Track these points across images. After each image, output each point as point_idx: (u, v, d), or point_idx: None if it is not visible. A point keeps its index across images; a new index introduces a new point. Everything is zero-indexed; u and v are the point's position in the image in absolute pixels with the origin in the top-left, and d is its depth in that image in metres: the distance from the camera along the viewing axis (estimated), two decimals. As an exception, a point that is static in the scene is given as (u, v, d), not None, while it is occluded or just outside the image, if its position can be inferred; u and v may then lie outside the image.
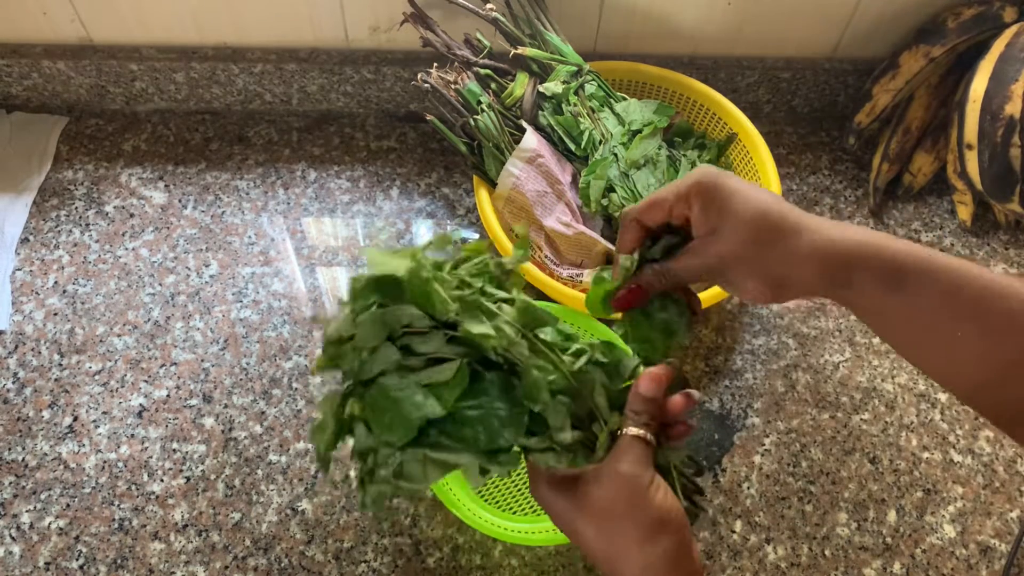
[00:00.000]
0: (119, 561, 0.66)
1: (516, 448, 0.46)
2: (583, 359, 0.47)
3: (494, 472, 0.45)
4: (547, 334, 0.47)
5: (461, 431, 0.45)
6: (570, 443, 0.45)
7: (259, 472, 0.71)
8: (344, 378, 0.47)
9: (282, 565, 0.66)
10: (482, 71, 0.79)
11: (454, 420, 0.45)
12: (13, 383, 0.75)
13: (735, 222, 0.43)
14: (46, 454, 0.71)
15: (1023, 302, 0.38)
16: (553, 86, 0.78)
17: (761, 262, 0.43)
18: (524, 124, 0.78)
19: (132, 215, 0.87)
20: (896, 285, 0.41)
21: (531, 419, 0.46)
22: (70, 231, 0.85)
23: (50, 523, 0.68)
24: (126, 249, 0.84)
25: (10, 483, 0.69)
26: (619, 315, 0.52)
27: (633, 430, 0.45)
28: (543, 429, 0.46)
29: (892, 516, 0.71)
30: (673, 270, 0.48)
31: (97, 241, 0.84)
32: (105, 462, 0.71)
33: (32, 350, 0.77)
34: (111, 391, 0.75)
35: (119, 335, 0.78)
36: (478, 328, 0.45)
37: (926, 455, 0.74)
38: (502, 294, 0.48)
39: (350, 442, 0.46)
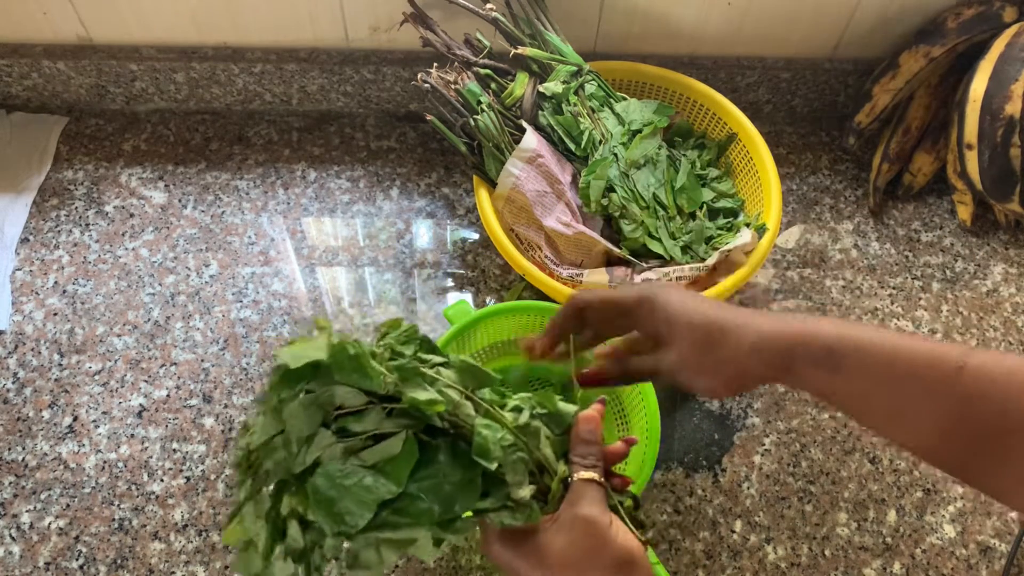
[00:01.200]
0: (119, 561, 0.66)
1: (469, 513, 0.44)
2: (526, 413, 0.47)
3: (450, 541, 0.44)
4: (486, 393, 0.47)
5: (413, 505, 0.43)
6: (527, 498, 0.44)
7: (259, 472, 0.71)
8: (269, 478, 0.43)
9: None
10: (482, 71, 0.79)
11: (405, 495, 0.43)
12: (13, 383, 0.75)
13: (682, 331, 0.47)
14: (46, 454, 0.71)
15: (950, 367, 0.40)
16: (553, 86, 0.78)
17: (710, 365, 0.46)
18: (524, 124, 0.78)
19: (132, 215, 0.87)
20: (834, 367, 0.43)
21: (483, 480, 0.45)
22: (70, 231, 0.85)
23: (50, 523, 0.68)
24: (126, 249, 0.84)
25: (10, 483, 0.69)
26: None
27: (584, 473, 0.45)
28: (496, 488, 0.45)
29: (892, 516, 0.71)
30: (632, 367, 0.51)
31: (97, 241, 0.84)
32: (105, 462, 0.71)
33: (32, 350, 0.77)
34: (111, 391, 0.75)
35: (119, 335, 0.78)
36: (423, 395, 0.43)
37: (926, 455, 0.74)
38: (436, 358, 0.47)
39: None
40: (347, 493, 0.42)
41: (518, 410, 0.47)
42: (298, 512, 0.43)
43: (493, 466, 0.44)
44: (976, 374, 0.39)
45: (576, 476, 0.46)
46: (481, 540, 0.47)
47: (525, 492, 0.45)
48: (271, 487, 0.43)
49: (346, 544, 0.43)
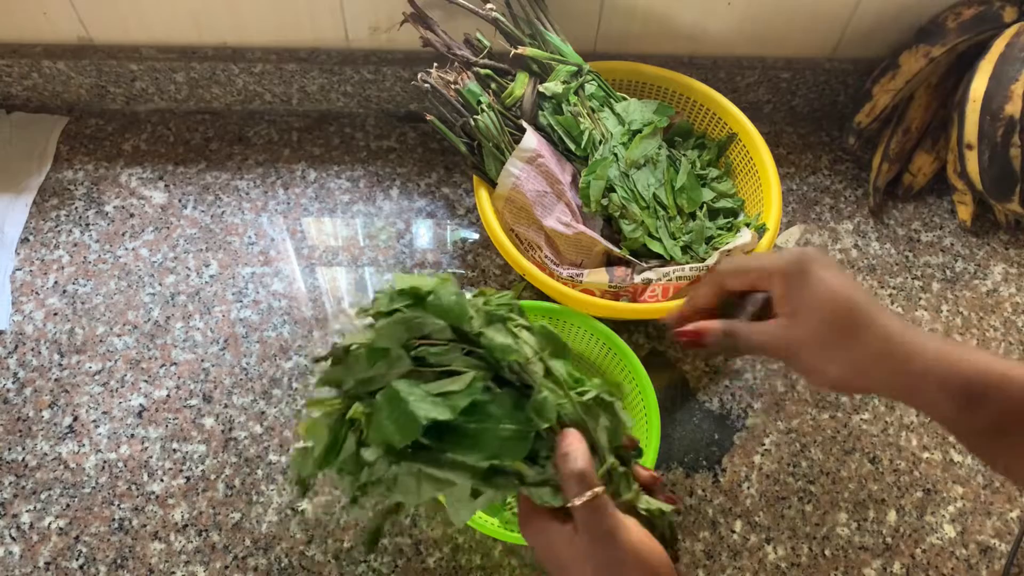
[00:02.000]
0: (119, 561, 0.66)
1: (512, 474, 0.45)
2: (591, 393, 0.47)
3: (487, 495, 0.44)
4: (560, 368, 0.47)
5: (461, 444, 0.44)
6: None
7: (259, 472, 0.71)
8: (345, 394, 0.46)
9: (282, 565, 0.66)
10: (482, 71, 0.79)
11: (456, 433, 0.44)
12: (13, 383, 0.75)
13: (815, 308, 0.43)
14: (46, 454, 0.71)
15: None
16: (553, 86, 0.78)
17: (837, 354, 0.43)
18: (524, 124, 0.78)
19: (132, 215, 0.87)
20: (967, 403, 0.40)
21: (533, 443, 0.45)
22: (70, 231, 0.85)
23: (50, 523, 0.68)
24: (126, 249, 0.84)
25: (10, 483, 0.69)
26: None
27: (581, 498, 0.42)
28: (543, 460, 0.45)
29: (892, 516, 0.71)
30: (744, 336, 0.47)
31: (97, 241, 0.84)
32: (105, 462, 0.71)
33: (32, 350, 0.77)
34: (111, 391, 0.75)
35: (119, 335, 0.78)
36: (500, 339, 0.45)
37: (926, 455, 0.74)
38: (523, 321, 0.48)
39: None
40: (403, 406, 0.43)
41: (585, 393, 0.48)
42: (359, 426, 0.45)
43: (544, 425, 0.44)
44: None
45: (574, 502, 0.43)
46: (520, 516, 0.46)
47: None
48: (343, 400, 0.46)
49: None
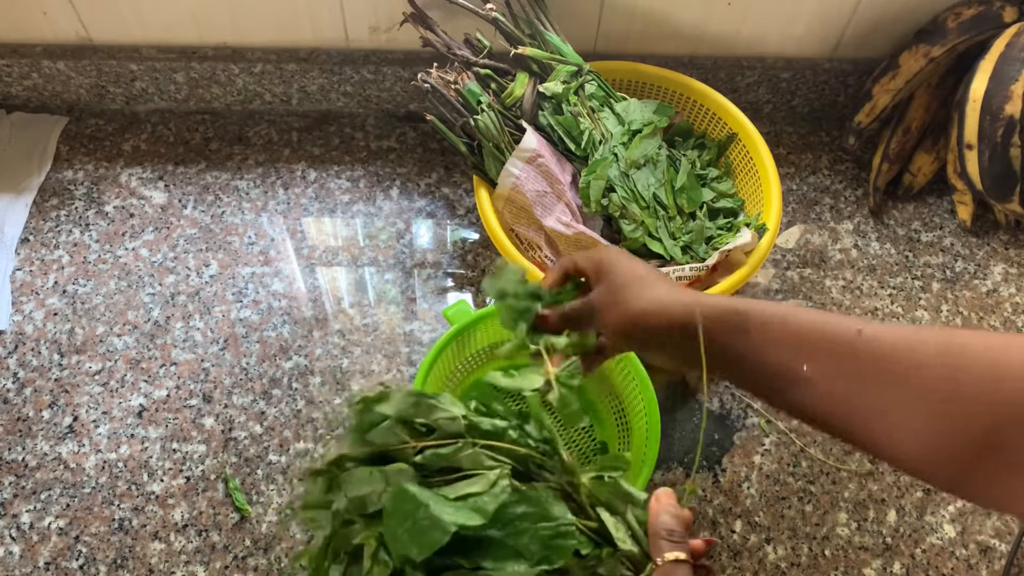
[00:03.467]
0: (119, 561, 0.66)
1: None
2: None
3: None
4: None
5: (498, 554, 0.38)
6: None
7: (259, 472, 0.71)
8: (333, 522, 0.41)
9: (282, 565, 0.66)
10: (482, 71, 0.79)
11: (485, 543, 0.38)
12: (13, 383, 0.75)
13: (611, 279, 0.51)
14: (46, 454, 0.71)
15: (851, 330, 0.41)
16: (553, 86, 0.78)
17: (617, 306, 0.50)
18: (524, 124, 0.78)
19: (132, 215, 0.87)
20: (740, 327, 0.44)
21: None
22: (70, 231, 0.85)
23: (50, 523, 0.68)
24: (126, 249, 0.84)
25: (10, 483, 0.69)
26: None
27: (671, 554, 0.42)
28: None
29: (892, 516, 0.71)
30: (567, 310, 0.54)
31: (97, 241, 0.84)
32: (105, 462, 0.71)
33: (32, 350, 0.77)
34: (111, 391, 0.75)
35: (119, 335, 0.78)
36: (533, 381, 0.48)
37: (926, 455, 0.74)
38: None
39: None
40: (419, 516, 0.37)
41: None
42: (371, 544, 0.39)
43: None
44: (873, 335, 0.40)
45: (666, 556, 0.42)
46: None
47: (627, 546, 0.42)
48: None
49: None
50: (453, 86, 0.78)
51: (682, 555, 0.43)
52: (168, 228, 0.86)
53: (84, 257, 0.83)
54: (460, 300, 0.77)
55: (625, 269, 0.52)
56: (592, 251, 0.55)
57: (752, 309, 0.45)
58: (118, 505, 0.69)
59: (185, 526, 0.68)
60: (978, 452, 0.38)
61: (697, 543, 0.47)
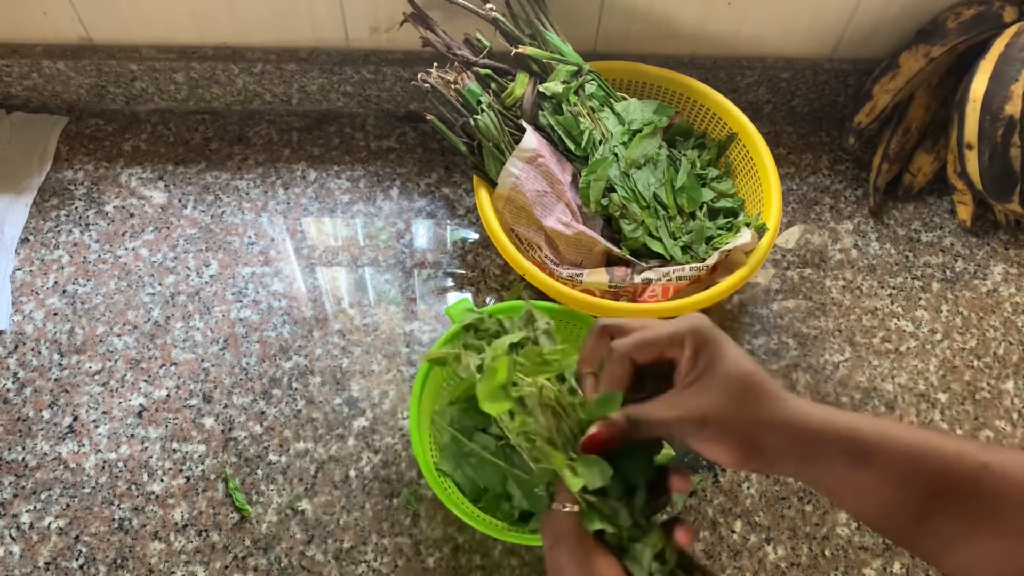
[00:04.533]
0: (119, 561, 0.66)
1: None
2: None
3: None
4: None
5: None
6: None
7: (259, 472, 0.71)
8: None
9: (282, 565, 0.66)
10: (482, 71, 0.79)
11: None
12: (13, 383, 0.75)
13: (722, 376, 0.43)
14: (46, 454, 0.71)
15: (974, 463, 0.39)
16: (553, 86, 0.78)
17: (739, 422, 0.43)
18: (524, 124, 0.78)
19: (132, 215, 0.87)
20: (862, 460, 0.41)
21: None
22: (70, 231, 0.85)
23: (50, 523, 0.68)
24: (126, 249, 0.84)
25: (10, 483, 0.69)
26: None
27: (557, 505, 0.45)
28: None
29: (892, 516, 0.71)
30: (646, 417, 0.45)
31: (97, 241, 0.84)
32: (105, 462, 0.71)
33: (32, 350, 0.77)
34: (111, 391, 0.75)
35: (119, 335, 0.78)
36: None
37: (926, 455, 0.74)
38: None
39: None
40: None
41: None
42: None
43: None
44: (1000, 471, 0.38)
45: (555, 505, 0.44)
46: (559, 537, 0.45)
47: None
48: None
49: None
50: (453, 86, 0.78)
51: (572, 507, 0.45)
52: (168, 228, 0.86)
53: (84, 257, 0.83)
54: (462, 299, 0.77)
55: (740, 364, 0.43)
56: (687, 320, 0.45)
57: (878, 442, 0.41)
58: (118, 505, 0.69)
59: (185, 526, 0.68)
60: None
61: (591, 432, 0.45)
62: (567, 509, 0.45)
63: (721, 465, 0.48)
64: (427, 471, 0.62)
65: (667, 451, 0.60)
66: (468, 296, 0.82)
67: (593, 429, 0.45)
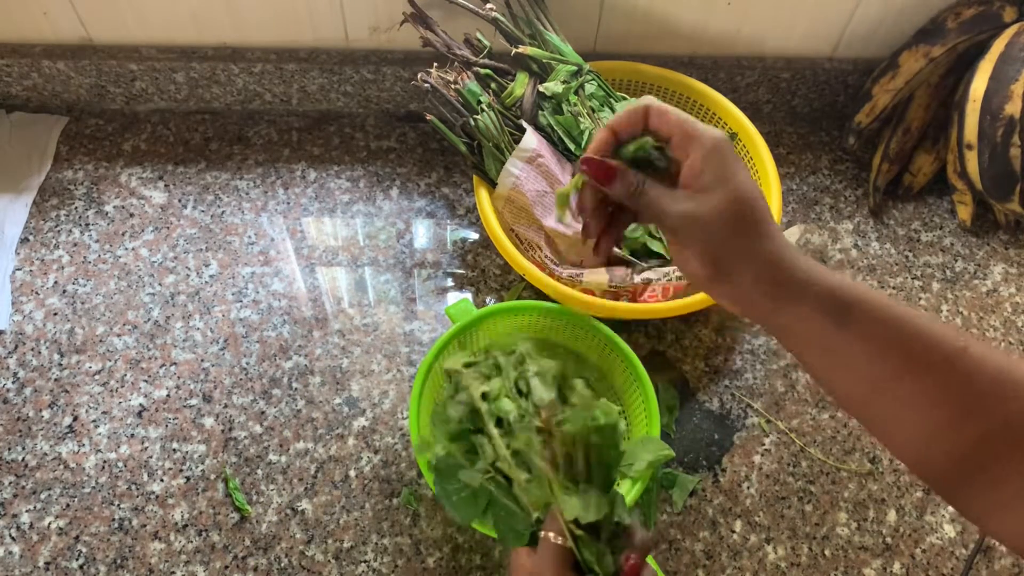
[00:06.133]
0: (119, 561, 0.66)
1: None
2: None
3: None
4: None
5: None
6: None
7: (259, 472, 0.71)
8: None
9: (282, 565, 0.66)
10: (482, 71, 0.79)
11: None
12: (13, 383, 0.75)
13: (726, 194, 0.42)
14: (46, 454, 0.71)
15: (954, 345, 0.39)
16: (553, 86, 0.78)
17: (723, 243, 0.42)
18: (524, 124, 0.78)
19: (132, 215, 0.87)
20: (841, 319, 0.40)
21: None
22: (70, 231, 0.85)
23: (50, 523, 0.68)
24: (126, 249, 0.84)
25: (10, 483, 0.69)
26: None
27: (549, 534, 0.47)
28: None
29: (892, 516, 0.71)
30: (653, 196, 0.44)
31: (97, 241, 0.84)
32: (105, 462, 0.71)
33: (32, 350, 0.77)
34: (111, 391, 0.75)
35: (119, 335, 0.78)
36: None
37: (926, 455, 0.74)
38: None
39: None
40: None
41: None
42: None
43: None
44: (977, 358, 0.38)
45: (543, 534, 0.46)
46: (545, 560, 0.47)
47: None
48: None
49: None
50: (453, 86, 0.78)
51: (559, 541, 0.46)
52: (168, 228, 0.86)
53: (84, 257, 0.83)
54: (462, 299, 0.77)
55: (747, 190, 0.42)
56: (710, 130, 0.43)
57: (858, 302, 0.40)
58: (118, 505, 0.69)
59: (185, 526, 0.68)
60: (966, 463, 0.38)
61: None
62: (556, 541, 0.46)
63: (689, 279, 0.46)
64: (427, 472, 0.62)
65: (667, 451, 0.61)
66: (468, 296, 0.82)
67: (606, 160, 0.45)
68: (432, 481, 0.61)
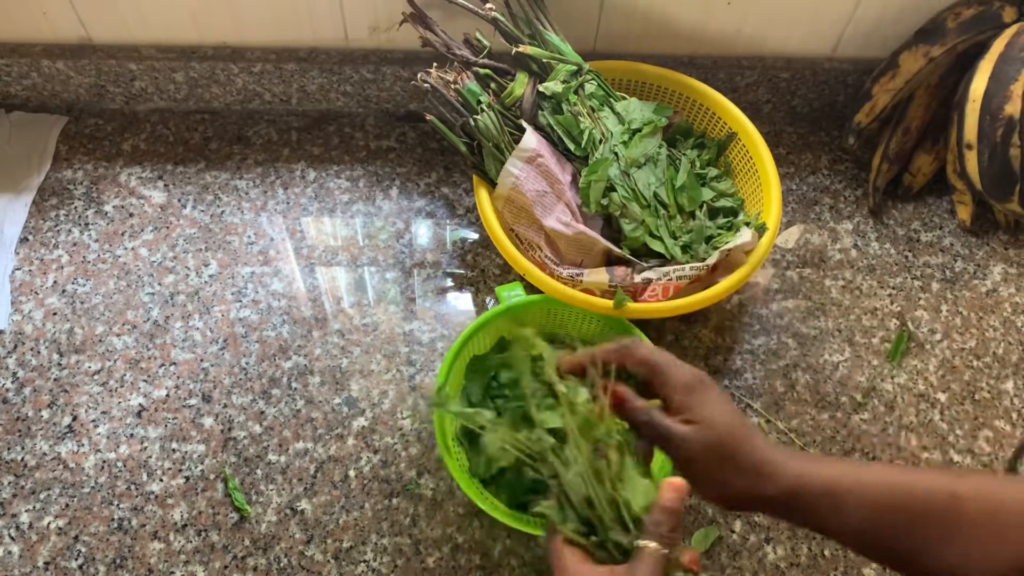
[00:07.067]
0: (118, 561, 0.66)
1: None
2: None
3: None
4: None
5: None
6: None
7: (258, 472, 0.71)
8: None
9: (281, 565, 0.66)
10: (482, 71, 0.79)
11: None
12: (12, 383, 0.75)
13: (710, 431, 0.48)
14: (45, 454, 0.71)
15: (944, 496, 0.44)
16: (553, 85, 0.78)
17: (717, 468, 0.48)
18: (524, 124, 0.78)
19: (131, 215, 0.86)
20: (833, 507, 0.46)
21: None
22: (69, 231, 0.85)
23: (49, 523, 0.68)
24: (125, 249, 0.84)
25: (9, 483, 0.69)
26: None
27: (652, 545, 0.46)
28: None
29: (892, 516, 0.71)
30: (661, 423, 0.49)
31: (96, 241, 0.84)
32: (104, 462, 0.71)
33: (31, 350, 0.77)
34: (110, 391, 0.75)
35: (118, 335, 0.78)
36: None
37: (926, 455, 0.74)
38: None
39: None
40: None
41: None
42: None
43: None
44: (973, 495, 0.43)
45: (644, 544, 0.46)
46: (558, 552, 0.48)
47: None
48: None
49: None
50: (453, 86, 0.78)
51: (663, 551, 0.45)
52: (167, 228, 0.86)
53: (83, 257, 0.83)
54: (515, 282, 0.75)
55: (726, 415, 0.48)
56: (687, 368, 0.50)
57: (846, 485, 0.46)
58: (117, 505, 0.69)
59: (184, 526, 0.68)
60: None
61: (691, 555, 0.48)
62: (655, 547, 0.46)
63: (706, 500, 0.54)
64: (441, 439, 0.64)
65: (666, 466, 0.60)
66: (467, 297, 0.82)
67: (619, 388, 0.51)
68: (448, 440, 0.62)
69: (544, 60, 0.79)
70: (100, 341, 0.77)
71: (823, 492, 0.46)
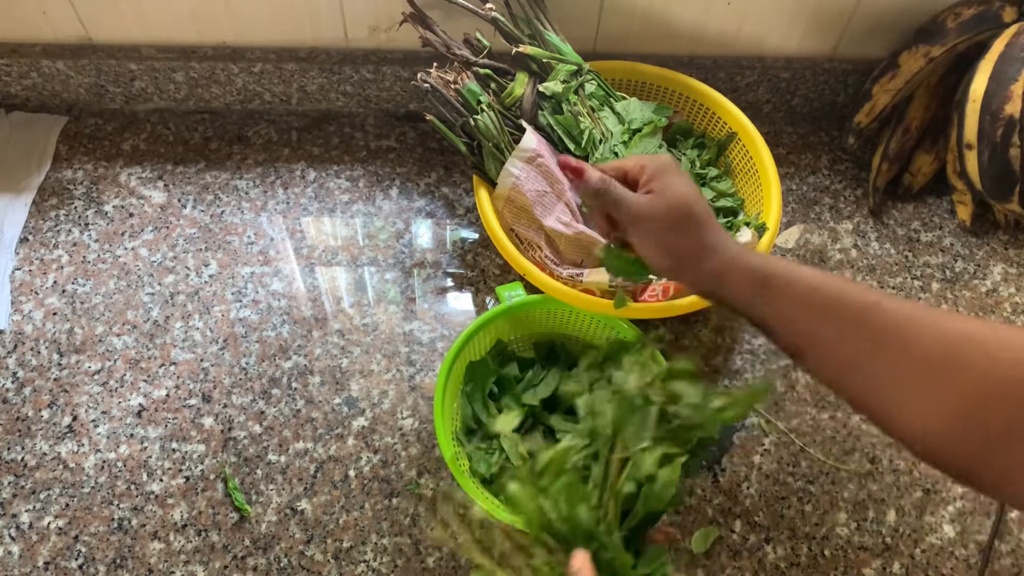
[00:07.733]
0: (118, 561, 0.66)
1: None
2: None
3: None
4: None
5: None
6: None
7: (258, 472, 0.71)
8: None
9: (281, 565, 0.66)
10: (482, 71, 0.79)
11: None
12: (12, 383, 0.75)
13: (670, 199, 0.53)
14: (45, 454, 0.71)
15: (866, 301, 0.46)
16: (553, 85, 0.78)
17: (671, 238, 0.53)
18: (524, 124, 0.78)
19: (131, 215, 0.86)
20: (762, 286, 0.49)
21: None
22: (69, 231, 0.85)
23: (49, 523, 0.68)
24: (125, 249, 0.84)
25: (9, 483, 0.69)
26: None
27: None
28: None
29: (892, 516, 0.71)
30: (615, 190, 0.55)
31: (96, 241, 0.84)
32: (104, 462, 0.71)
33: (31, 350, 0.77)
34: (110, 391, 0.75)
35: (118, 335, 0.78)
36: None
37: (926, 455, 0.74)
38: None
39: None
40: None
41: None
42: None
43: None
44: (888, 307, 0.45)
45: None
46: None
47: None
48: None
49: None
50: (453, 86, 0.78)
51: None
52: (167, 228, 0.86)
53: (83, 257, 0.83)
54: (515, 282, 0.75)
55: (681, 194, 0.53)
56: (653, 156, 0.56)
57: (779, 272, 0.49)
58: (117, 505, 0.69)
59: (184, 526, 0.68)
60: (986, 432, 0.40)
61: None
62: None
63: (652, 269, 0.57)
64: (443, 437, 0.64)
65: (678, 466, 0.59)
66: (467, 297, 0.82)
67: (575, 162, 0.56)
68: (449, 438, 0.64)
69: (544, 60, 0.79)
70: (100, 341, 0.77)
71: (756, 270, 0.50)
